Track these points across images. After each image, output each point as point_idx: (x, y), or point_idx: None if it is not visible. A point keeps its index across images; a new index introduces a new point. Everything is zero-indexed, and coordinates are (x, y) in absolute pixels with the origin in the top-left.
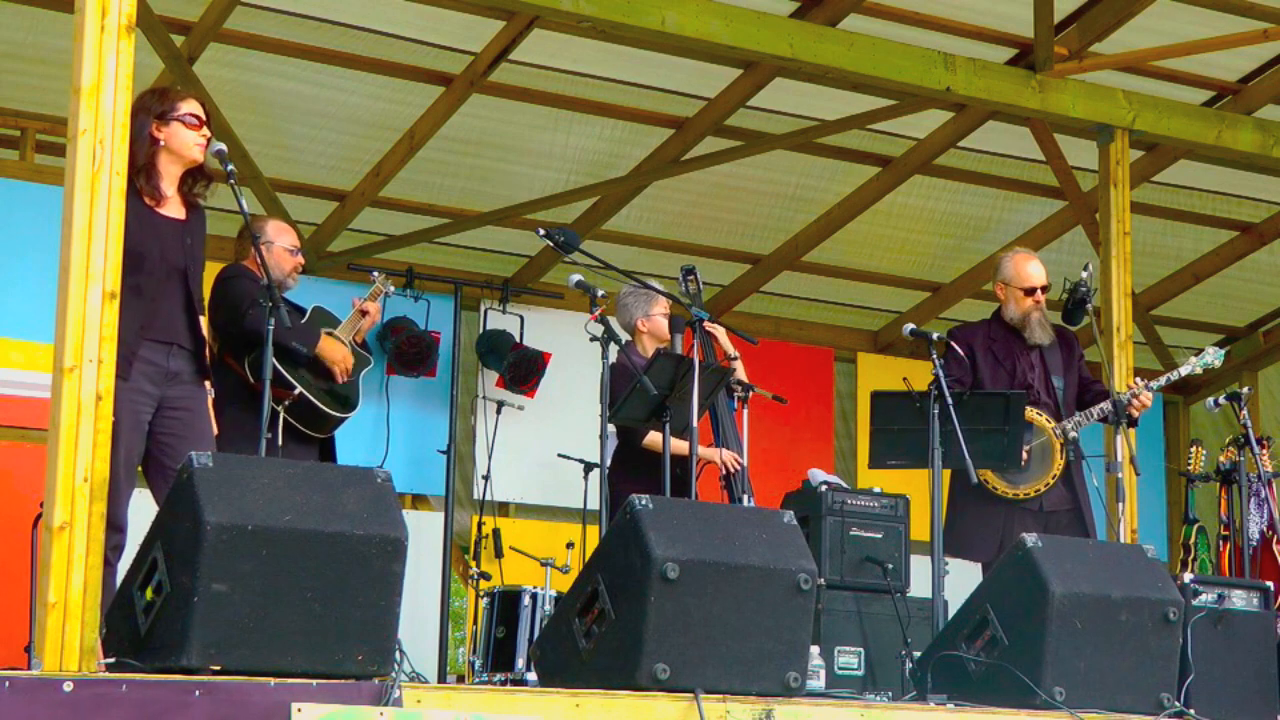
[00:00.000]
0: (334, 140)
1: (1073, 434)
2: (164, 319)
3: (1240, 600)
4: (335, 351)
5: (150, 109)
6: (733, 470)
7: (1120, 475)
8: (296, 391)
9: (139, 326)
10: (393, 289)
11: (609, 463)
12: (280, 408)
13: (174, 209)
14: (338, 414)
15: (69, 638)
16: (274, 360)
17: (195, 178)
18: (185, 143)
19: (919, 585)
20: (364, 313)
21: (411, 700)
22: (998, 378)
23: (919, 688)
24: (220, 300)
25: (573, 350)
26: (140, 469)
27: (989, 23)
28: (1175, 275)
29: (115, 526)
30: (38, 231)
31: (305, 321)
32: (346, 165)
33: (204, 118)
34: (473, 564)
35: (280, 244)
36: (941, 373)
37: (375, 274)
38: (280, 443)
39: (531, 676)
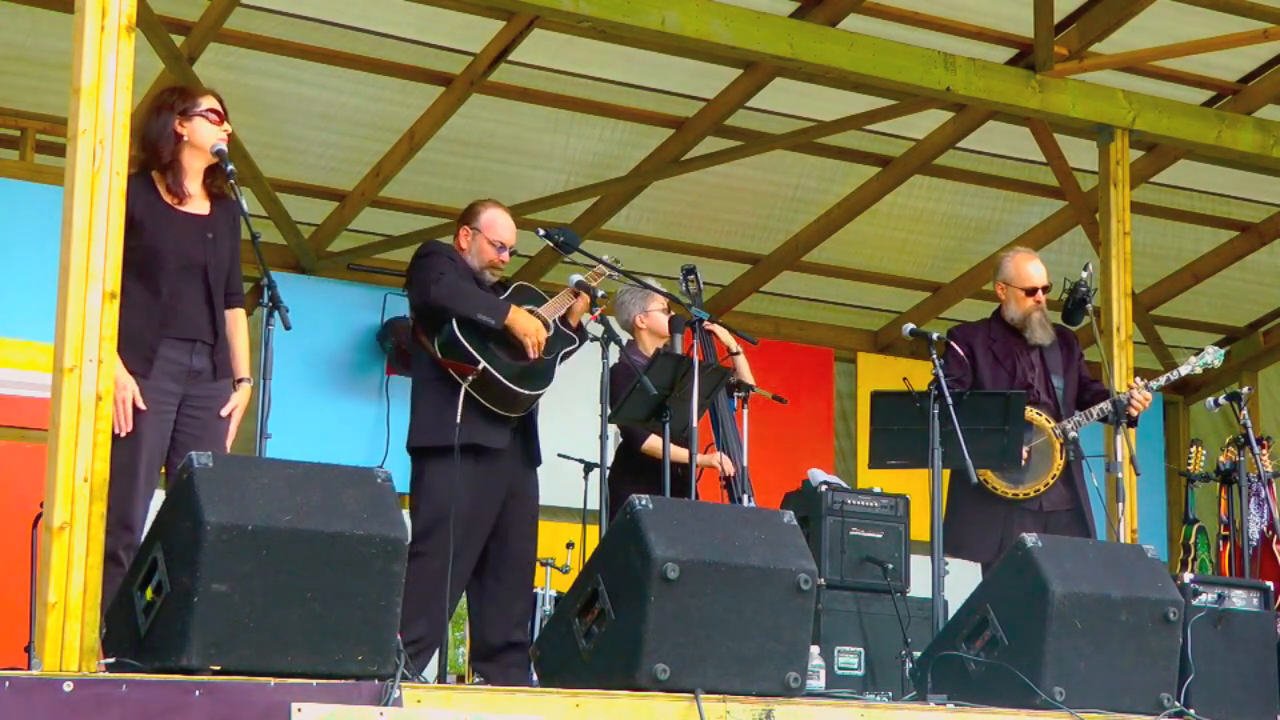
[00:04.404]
0: (334, 140)
1: (1072, 434)
2: (184, 316)
3: (1240, 600)
4: (527, 324)
5: (173, 106)
6: (732, 475)
7: (1120, 475)
8: (480, 367)
9: (158, 324)
10: (619, 271)
11: (610, 463)
12: (465, 384)
13: (196, 205)
14: (526, 391)
15: (69, 638)
16: (460, 334)
17: (217, 173)
18: (208, 138)
19: (919, 585)
20: (576, 293)
21: (411, 700)
22: (998, 378)
23: (919, 688)
24: (411, 277)
25: None
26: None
27: (989, 23)
28: (1175, 275)
29: (126, 526)
30: (38, 231)
31: (505, 298)
32: (346, 165)
33: (223, 113)
34: None
35: (487, 236)
36: (941, 373)
37: (605, 257)
38: (460, 420)
39: (532, 676)
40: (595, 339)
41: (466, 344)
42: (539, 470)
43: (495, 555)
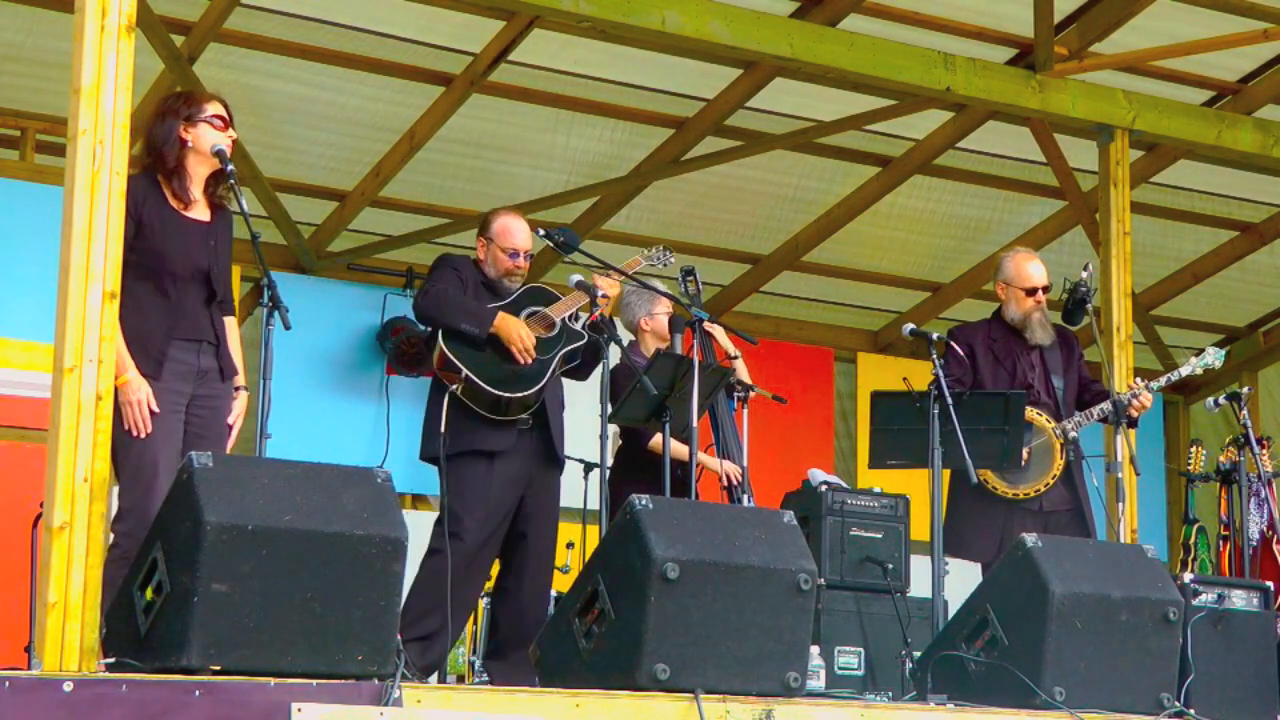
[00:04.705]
0: (334, 140)
1: (1072, 434)
2: (191, 318)
3: (1240, 600)
4: (512, 330)
5: (178, 112)
6: (734, 482)
7: (1120, 475)
8: (463, 375)
9: (167, 327)
10: (672, 259)
11: (610, 463)
12: (450, 390)
13: (199, 211)
14: (511, 395)
15: (69, 638)
16: (445, 344)
17: (218, 180)
18: (212, 144)
19: (919, 585)
20: (584, 289)
21: (411, 700)
22: (998, 378)
23: (919, 688)
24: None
25: None
26: None
27: (989, 23)
28: (1175, 275)
29: (147, 528)
30: (38, 231)
31: (512, 301)
32: (346, 165)
33: (228, 118)
34: None
35: (499, 244)
36: (941, 373)
37: (656, 248)
38: (444, 428)
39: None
40: (615, 339)
41: (449, 353)
42: None
43: (518, 554)
